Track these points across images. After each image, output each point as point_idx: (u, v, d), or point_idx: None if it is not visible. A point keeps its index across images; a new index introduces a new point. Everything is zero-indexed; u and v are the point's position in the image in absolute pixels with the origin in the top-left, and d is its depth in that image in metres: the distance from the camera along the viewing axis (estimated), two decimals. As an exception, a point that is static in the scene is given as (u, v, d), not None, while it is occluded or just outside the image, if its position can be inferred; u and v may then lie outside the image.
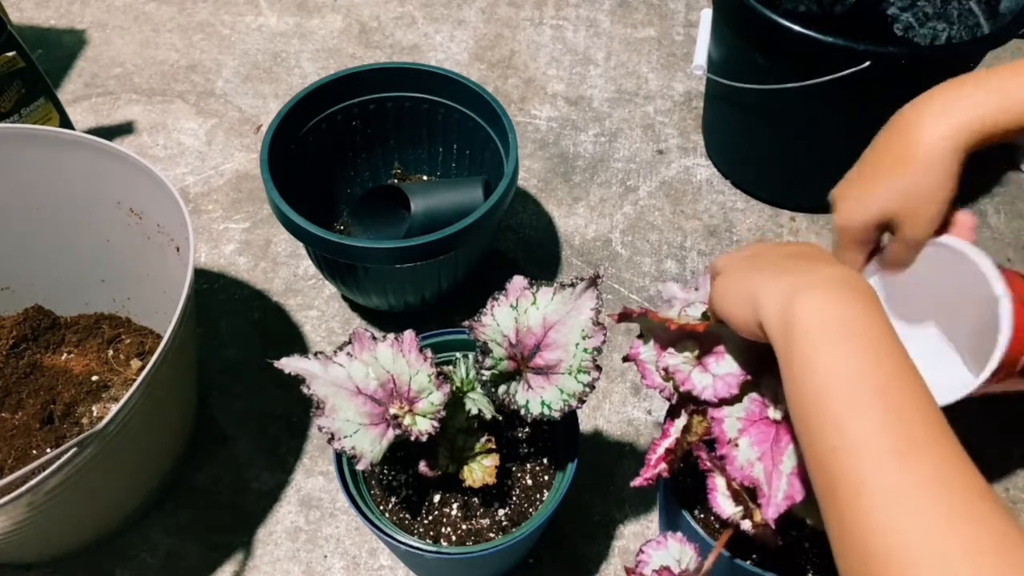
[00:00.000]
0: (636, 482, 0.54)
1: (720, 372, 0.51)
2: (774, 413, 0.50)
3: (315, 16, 1.26)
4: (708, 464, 0.52)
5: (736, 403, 0.51)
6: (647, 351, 0.55)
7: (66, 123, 1.04)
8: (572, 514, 0.76)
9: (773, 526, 0.48)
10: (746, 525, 0.51)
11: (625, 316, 0.54)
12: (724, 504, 0.52)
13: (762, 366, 0.50)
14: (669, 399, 0.54)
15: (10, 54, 0.91)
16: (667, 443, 0.54)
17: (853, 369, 0.38)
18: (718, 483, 0.52)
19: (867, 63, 0.75)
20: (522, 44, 1.22)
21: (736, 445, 0.49)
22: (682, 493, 0.63)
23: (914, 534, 0.33)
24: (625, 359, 0.56)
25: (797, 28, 0.76)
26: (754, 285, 0.45)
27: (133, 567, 0.74)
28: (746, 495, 0.51)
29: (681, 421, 0.54)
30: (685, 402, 0.53)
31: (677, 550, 0.53)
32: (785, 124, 0.92)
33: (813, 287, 0.41)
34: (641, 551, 0.53)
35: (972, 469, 0.35)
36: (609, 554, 0.74)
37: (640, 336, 0.56)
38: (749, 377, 0.50)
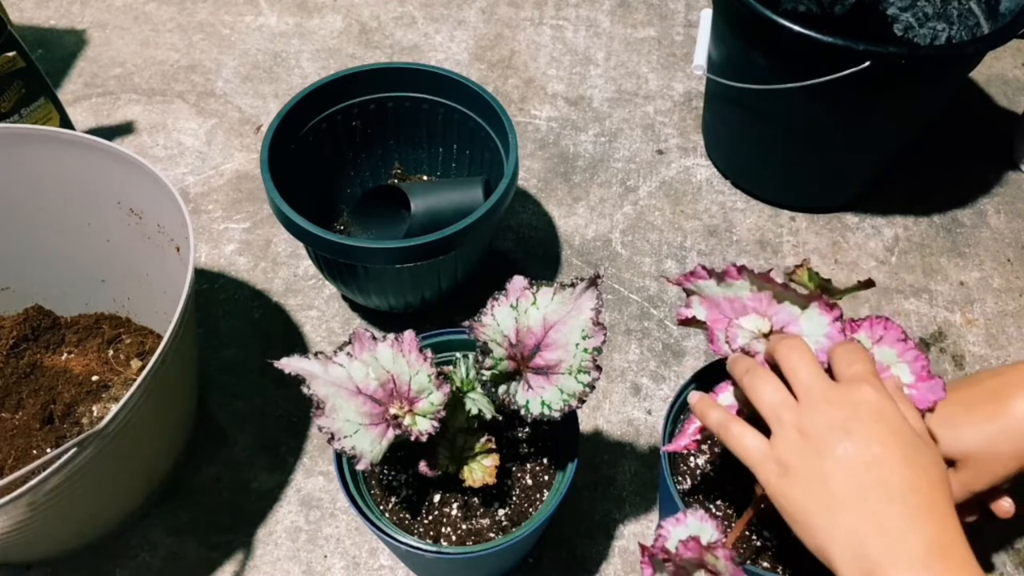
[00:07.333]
0: (669, 447, 0.58)
1: None
2: None
3: (315, 16, 1.26)
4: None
5: None
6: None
7: (66, 123, 1.04)
8: (572, 514, 0.76)
9: None
10: None
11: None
12: None
13: None
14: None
15: (10, 54, 0.92)
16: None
17: None
18: None
19: (867, 63, 0.75)
20: (522, 44, 1.22)
21: None
22: (682, 492, 0.63)
23: None
24: (683, 322, 0.58)
25: (797, 28, 0.76)
26: (825, 530, 0.43)
27: (133, 567, 0.74)
28: None
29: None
30: None
31: (697, 527, 0.52)
32: (785, 124, 0.92)
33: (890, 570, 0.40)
34: (660, 526, 0.52)
35: None
36: (609, 554, 0.74)
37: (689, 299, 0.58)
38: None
